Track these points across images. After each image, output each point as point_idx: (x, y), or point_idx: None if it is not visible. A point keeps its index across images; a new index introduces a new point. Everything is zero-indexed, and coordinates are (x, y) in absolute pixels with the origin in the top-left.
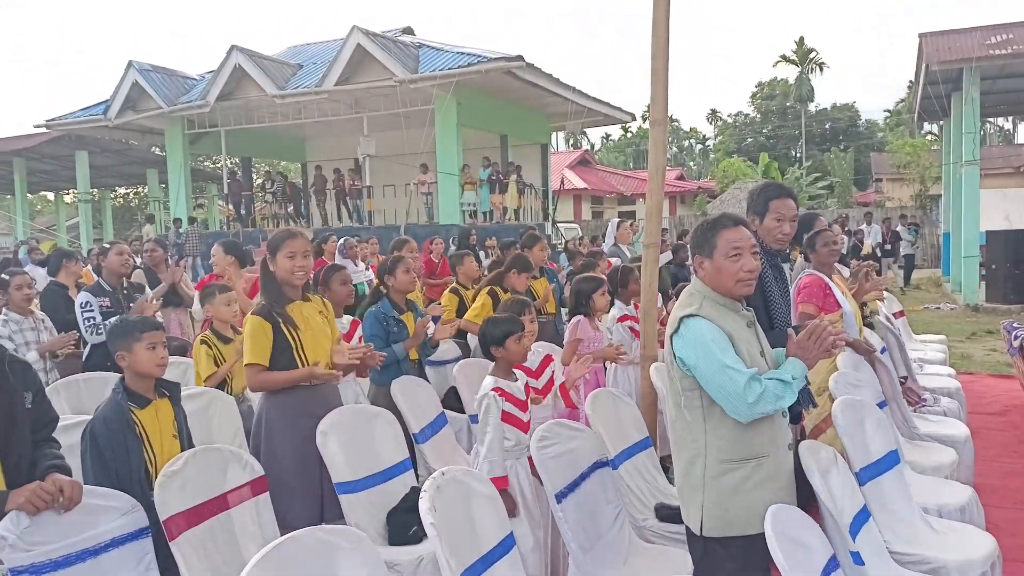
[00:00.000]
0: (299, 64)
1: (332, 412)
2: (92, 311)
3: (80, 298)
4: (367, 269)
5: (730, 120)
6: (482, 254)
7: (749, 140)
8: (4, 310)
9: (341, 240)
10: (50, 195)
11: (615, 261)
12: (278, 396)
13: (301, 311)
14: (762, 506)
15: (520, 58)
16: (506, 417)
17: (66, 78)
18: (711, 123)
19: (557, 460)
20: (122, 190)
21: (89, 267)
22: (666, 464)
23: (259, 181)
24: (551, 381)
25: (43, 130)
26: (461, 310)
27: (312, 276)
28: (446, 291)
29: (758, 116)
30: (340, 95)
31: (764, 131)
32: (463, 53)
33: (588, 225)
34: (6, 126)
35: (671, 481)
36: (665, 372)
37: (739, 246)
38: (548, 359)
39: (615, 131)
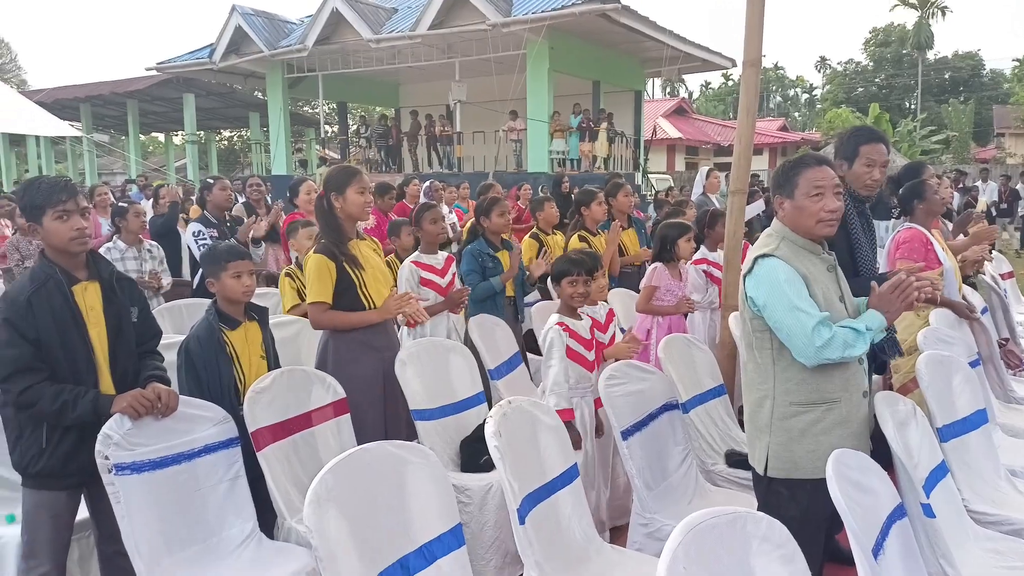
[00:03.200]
0: (394, 8)
1: (411, 343)
2: (205, 239)
3: (192, 228)
4: (451, 212)
5: (840, 68)
6: None
7: (859, 90)
8: (115, 239)
9: (427, 183)
10: (160, 136)
11: None
12: (344, 332)
13: (360, 249)
14: (830, 451)
15: None
16: (570, 354)
17: (174, 29)
18: (819, 71)
19: (625, 399)
20: (226, 133)
21: (193, 201)
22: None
23: (354, 126)
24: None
25: (153, 73)
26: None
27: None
28: (526, 236)
29: (870, 64)
30: (433, 40)
31: (876, 80)
32: None
33: (680, 176)
34: (119, 70)
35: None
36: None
37: (821, 185)
38: (612, 314)
39: (716, 79)
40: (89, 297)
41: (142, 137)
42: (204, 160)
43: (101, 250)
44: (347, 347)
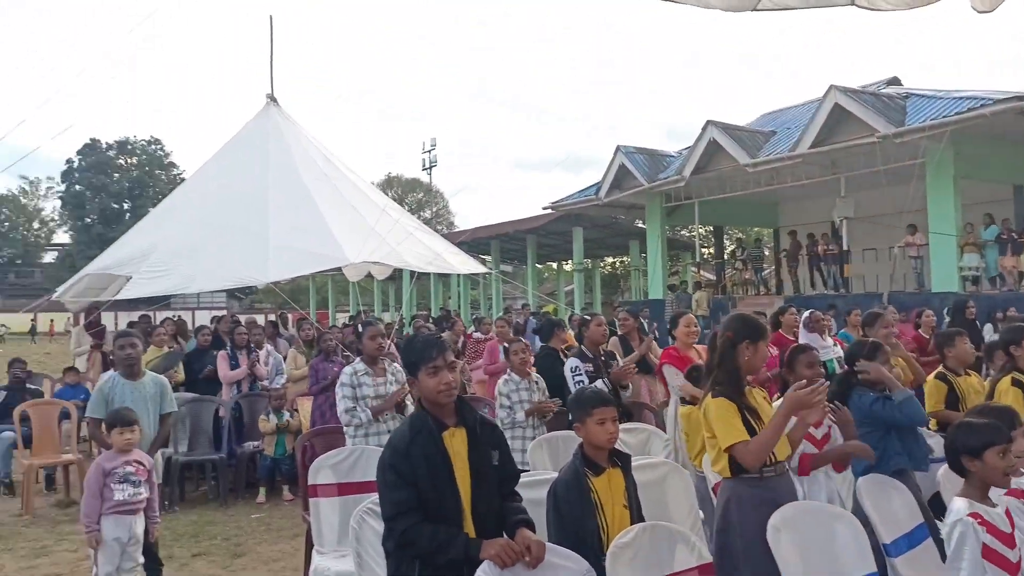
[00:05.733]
0: (772, 131)
1: (786, 506)
2: (580, 374)
3: (570, 363)
4: (835, 345)
5: None
6: (988, 327)
7: None
8: (508, 371)
9: (807, 312)
10: (552, 264)
11: None
12: (745, 483)
13: (753, 395)
14: None
15: None
16: (986, 553)
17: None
18: None
19: None
20: (608, 259)
21: (570, 332)
22: None
23: (731, 247)
24: None
25: (549, 211)
26: (951, 401)
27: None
28: (931, 376)
29: None
30: (815, 157)
31: None
32: (962, 98)
33: None
34: (520, 210)
35: None
36: None
37: None
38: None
39: None
40: (456, 443)
41: (538, 266)
42: (589, 285)
43: (499, 380)
44: (747, 497)
